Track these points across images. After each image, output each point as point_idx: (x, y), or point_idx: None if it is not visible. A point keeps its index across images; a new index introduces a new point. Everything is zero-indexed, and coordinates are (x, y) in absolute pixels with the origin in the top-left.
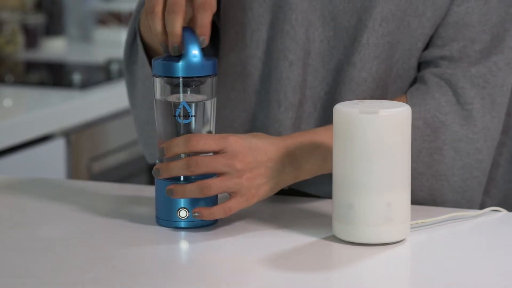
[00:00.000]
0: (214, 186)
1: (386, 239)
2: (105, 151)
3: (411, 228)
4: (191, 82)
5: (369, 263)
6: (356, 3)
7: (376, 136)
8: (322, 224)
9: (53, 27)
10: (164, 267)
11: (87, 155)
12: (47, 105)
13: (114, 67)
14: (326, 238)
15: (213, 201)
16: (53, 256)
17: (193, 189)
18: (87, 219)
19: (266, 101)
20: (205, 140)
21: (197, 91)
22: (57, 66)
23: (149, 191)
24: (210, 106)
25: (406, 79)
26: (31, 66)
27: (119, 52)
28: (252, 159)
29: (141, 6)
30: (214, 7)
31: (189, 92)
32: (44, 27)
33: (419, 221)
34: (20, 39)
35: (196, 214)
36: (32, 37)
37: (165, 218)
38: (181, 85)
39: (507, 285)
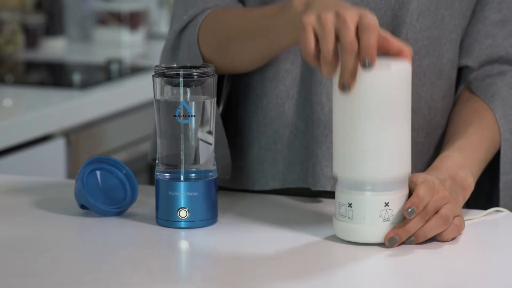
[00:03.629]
0: (435, 224)
1: None
2: (105, 151)
3: None
4: (191, 82)
5: (370, 263)
6: None
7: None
8: (323, 224)
9: (53, 27)
10: (164, 267)
11: (87, 155)
12: (47, 105)
13: (114, 67)
14: (327, 238)
15: (213, 202)
16: (53, 256)
17: (434, 225)
18: (87, 219)
19: (304, 105)
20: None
21: (197, 91)
22: (57, 66)
23: (149, 191)
24: (210, 106)
25: (447, 73)
26: (31, 66)
27: (119, 52)
28: (443, 194)
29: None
30: (378, 28)
31: (189, 92)
32: (44, 27)
33: None
34: (20, 39)
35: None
36: (32, 37)
37: (165, 218)
38: (181, 85)
39: (508, 285)
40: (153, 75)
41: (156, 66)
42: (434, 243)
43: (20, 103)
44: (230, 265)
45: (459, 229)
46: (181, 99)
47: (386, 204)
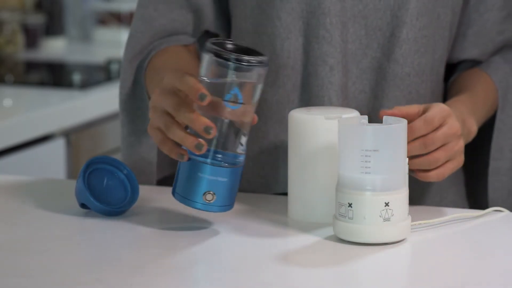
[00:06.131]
0: (441, 157)
1: (386, 239)
2: (105, 151)
3: (413, 228)
4: (249, 69)
5: (369, 262)
6: (388, 0)
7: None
8: (323, 224)
9: (53, 27)
10: (164, 267)
11: (87, 155)
12: (47, 105)
13: (114, 67)
14: (327, 238)
15: (235, 190)
16: (53, 256)
17: (416, 146)
18: (87, 219)
19: None
20: (438, 119)
21: (248, 77)
22: (57, 66)
23: (149, 191)
24: (258, 93)
25: (436, 69)
26: (31, 66)
27: (119, 52)
28: (459, 126)
29: (133, 54)
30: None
31: (243, 78)
32: (44, 27)
33: (422, 221)
34: (20, 39)
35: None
36: (32, 37)
37: (184, 194)
38: (237, 70)
39: (507, 284)
40: (207, 52)
41: (213, 43)
42: (434, 243)
43: (20, 103)
44: (230, 265)
45: (439, 177)
46: (234, 84)
47: (386, 204)
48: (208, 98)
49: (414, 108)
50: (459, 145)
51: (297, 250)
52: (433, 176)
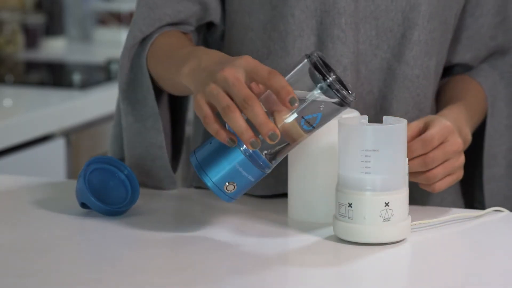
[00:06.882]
0: (439, 174)
1: (386, 239)
2: (105, 151)
3: (413, 228)
4: (342, 103)
5: (369, 262)
6: (400, 1)
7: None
8: (323, 224)
9: (53, 27)
10: (164, 267)
11: (87, 155)
12: (47, 105)
13: (114, 67)
14: (327, 238)
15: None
16: (53, 256)
17: (415, 165)
18: (87, 219)
19: None
20: (438, 138)
21: (337, 110)
22: (57, 66)
23: (149, 191)
24: (325, 123)
25: (438, 72)
26: (31, 66)
27: (119, 52)
28: (460, 143)
29: (133, 40)
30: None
31: (333, 108)
32: (44, 27)
33: (422, 221)
34: (20, 39)
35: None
36: (32, 37)
37: (202, 165)
38: (334, 99)
39: (507, 285)
40: (316, 71)
41: (324, 69)
42: (434, 243)
43: (20, 103)
44: (230, 265)
45: (434, 190)
46: (321, 109)
47: (386, 204)
48: (297, 104)
49: (414, 128)
50: (460, 161)
51: (297, 250)
52: (429, 189)
